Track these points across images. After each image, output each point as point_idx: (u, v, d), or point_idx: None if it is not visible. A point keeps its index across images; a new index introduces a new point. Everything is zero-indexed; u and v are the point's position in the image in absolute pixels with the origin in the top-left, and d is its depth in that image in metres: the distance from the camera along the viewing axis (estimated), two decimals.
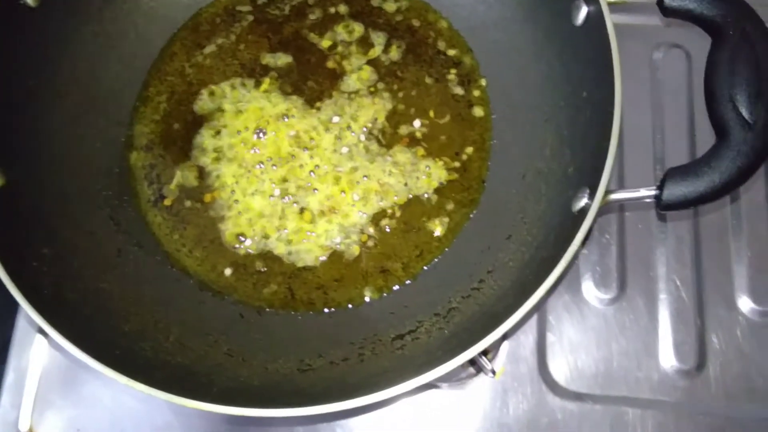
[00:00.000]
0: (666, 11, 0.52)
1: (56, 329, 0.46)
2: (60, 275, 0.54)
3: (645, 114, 0.70)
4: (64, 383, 0.65)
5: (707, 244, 0.68)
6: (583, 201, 0.51)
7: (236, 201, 0.64)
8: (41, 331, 0.63)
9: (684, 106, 0.71)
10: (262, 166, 0.64)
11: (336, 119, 0.66)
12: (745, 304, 0.67)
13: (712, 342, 0.65)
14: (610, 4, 0.53)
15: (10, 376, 0.66)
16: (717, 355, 0.65)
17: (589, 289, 0.67)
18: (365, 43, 0.68)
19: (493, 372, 0.61)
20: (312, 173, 0.64)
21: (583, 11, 0.56)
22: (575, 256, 0.48)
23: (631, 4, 0.65)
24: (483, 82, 0.66)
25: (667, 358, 0.65)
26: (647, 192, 0.49)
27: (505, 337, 0.64)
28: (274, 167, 0.64)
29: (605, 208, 0.50)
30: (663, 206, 0.48)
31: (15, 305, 0.67)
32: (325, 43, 0.67)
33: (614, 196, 0.50)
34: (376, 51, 0.67)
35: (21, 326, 0.67)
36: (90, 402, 0.64)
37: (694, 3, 0.50)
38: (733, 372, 0.65)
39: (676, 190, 0.48)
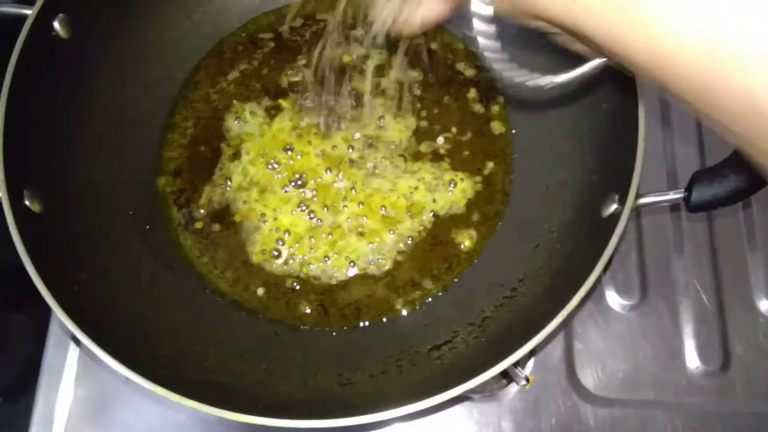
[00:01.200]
0: None
1: (107, 352, 0.47)
2: (98, 300, 0.55)
3: (655, 120, 0.73)
4: (94, 413, 0.65)
5: (723, 248, 0.70)
6: (613, 206, 0.53)
7: (265, 222, 0.65)
8: (75, 340, 0.63)
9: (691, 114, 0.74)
10: (288, 188, 0.65)
11: (358, 136, 0.67)
12: (764, 305, 0.68)
13: (734, 343, 0.67)
14: None
15: (39, 405, 0.65)
16: (740, 355, 0.67)
17: (612, 296, 0.69)
18: (386, 65, 0.70)
19: (527, 380, 0.62)
20: (339, 192, 0.65)
21: None
22: (608, 263, 0.49)
23: None
24: (501, 99, 0.68)
25: (692, 360, 0.66)
26: (676, 195, 0.51)
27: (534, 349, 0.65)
28: (301, 187, 0.65)
29: (633, 212, 0.52)
30: (692, 207, 0.50)
31: (42, 337, 0.68)
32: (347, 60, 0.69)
33: (644, 200, 0.52)
34: (396, 72, 0.69)
35: (49, 356, 0.67)
36: (120, 430, 0.64)
37: None
38: (757, 371, 0.66)
39: (704, 192, 0.50)
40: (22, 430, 0.65)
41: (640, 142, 0.52)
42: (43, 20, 0.57)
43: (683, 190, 0.51)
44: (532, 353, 0.65)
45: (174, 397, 0.46)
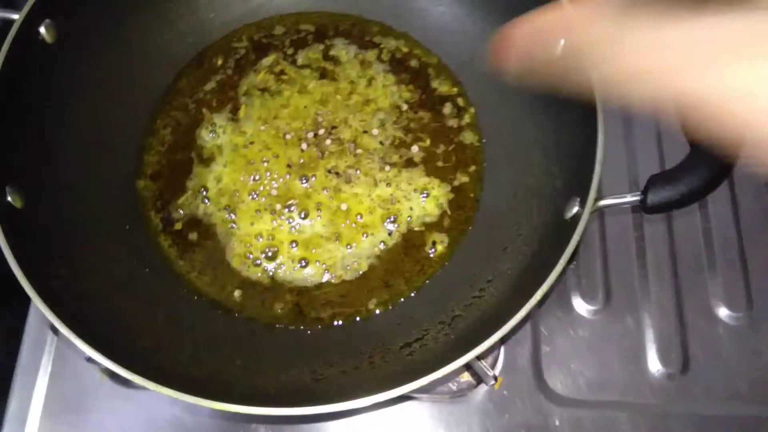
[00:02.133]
0: None
1: (86, 342, 0.48)
2: (76, 294, 0.56)
3: (616, 126, 0.76)
4: (69, 413, 0.65)
5: (682, 255, 0.73)
6: (575, 209, 0.56)
7: (240, 226, 0.66)
8: (54, 329, 0.64)
9: (651, 118, 0.78)
10: (260, 190, 0.67)
11: (331, 144, 0.70)
12: (721, 311, 0.72)
13: (694, 347, 0.70)
14: None
15: (12, 405, 0.66)
16: (699, 359, 0.69)
17: (578, 301, 0.71)
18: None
19: (495, 379, 0.64)
20: (314, 198, 0.68)
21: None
22: (567, 264, 0.52)
23: None
24: (472, 110, 0.71)
25: (654, 364, 0.69)
26: (633, 198, 0.54)
27: (503, 342, 0.67)
28: (276, 191, 0.67)
29: (592, 215, 0.55)
30: (648, 209, 0.53)
31: (18, 337, 0.68)
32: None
33: (603, 202, 0.55)
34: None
35: (24, 358, 0.68)
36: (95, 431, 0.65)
37: None
38: (715, 374, 0.69)
39: (659, 195, 0.53)
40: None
41: (599, 150, 0.55)
42: (29, 25, 0.59)
43: (640, 192, 0.54)
44: (502, 343, 0.67)
45: (151, 386, 0.47)
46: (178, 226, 0.66)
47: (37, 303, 0.49)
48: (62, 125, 0.63)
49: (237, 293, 0.64)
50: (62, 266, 0.56)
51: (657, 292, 0.72)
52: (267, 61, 0.74)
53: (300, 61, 0.74)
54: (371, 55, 0.74)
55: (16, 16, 0.59)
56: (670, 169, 0.54)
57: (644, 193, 0.54)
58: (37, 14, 0.60)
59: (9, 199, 0.55)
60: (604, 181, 0.73)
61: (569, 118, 0.62)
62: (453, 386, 0.67)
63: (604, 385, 0.68)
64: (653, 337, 0.70)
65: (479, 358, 0.54)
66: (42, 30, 0.61)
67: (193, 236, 0.66)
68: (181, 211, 0.67)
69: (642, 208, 0.53)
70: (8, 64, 0.57)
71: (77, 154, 0.64)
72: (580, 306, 0.71)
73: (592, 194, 0.54)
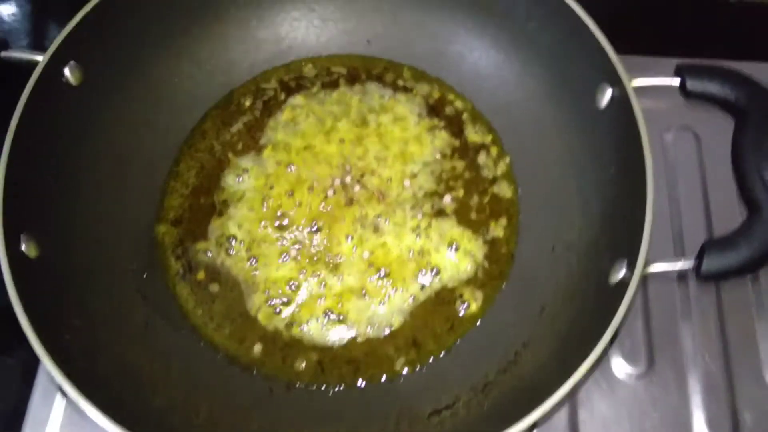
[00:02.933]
0: (688, 95, 0.55)
1: (93, 404, 0.45)
2: (90, 347, 0.53)
3: (660, 189, 0.72)
4: None
5: (731, 317, 0.69)
6: (621, 273, 0.52)
7: (262, 276, 0.63)
8: (62, 392, 0.61)
9: (697, 182, 0.74)
10: (285, 239, 0.65)
11: (359, 191, 0.67)
12: None
13: (743, 415, 0.65)
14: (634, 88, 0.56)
15: None
16: (750, 428, 0.64)
17: (618, 363, 0.67)
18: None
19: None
20: (342, 250, 0.65)
21: (608, 94, 0.58)
22: (614, 336, 0.48)
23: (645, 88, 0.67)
24: (507, 159, 0.68)
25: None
26: (687, 263, 0.50)
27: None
28: (300, 240, 0.65)
29: (642, 280, 0.51)
30: (703, 276, 0.49)
31: (30, 382, 0.66)
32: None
33: (654, 268, 0.51)
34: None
35: (35, 404, 0.65)
36: None
37: (715, 88, 0.53)
38: None
39: (715, 262, 0.49)
40: None
41: (648, 209, 0.51)
42: (54, 66, 0.58)
43: (694, 258, 0.50)
44: (535, 423, 0.63)
45: None
46: (200, 275, 0.63)
47: (47, 363, 0.46)
48: (82, 168, 0.61)
49: (257, 348, 0.61)
50: (75, 317, 0.54)
51: (704, 356, 0.67)
52: (295, 100, 0.72)
53: (330, 103, 0.71)
54: (403, 99, 0.71)
55: (40, 58, 0.58)
56: (726, 235, 0.50)
57: (699, 258, 0.50)
58: (62, 55, 0.58)
59: (23, 248, 0.53)
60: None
61: (615, 172, 0.58)
62: None
63: None
64: (700, 404, 0.65)
65: None
66: (66, 71, 0.59)
67: (213, 286, 0.63)
68: (201, 259, 0.64)
69: (696, 275, 0.50)
70: (30, 105, 0.56)
71: (96, 199, 0.62)
72: (621, 368, 0.67)
73: (642, 258, 0.50)
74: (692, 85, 0.55)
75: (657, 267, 0.51)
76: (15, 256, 0.51)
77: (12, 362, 0.72)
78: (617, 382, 0.66)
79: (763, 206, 0.49)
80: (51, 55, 0.58)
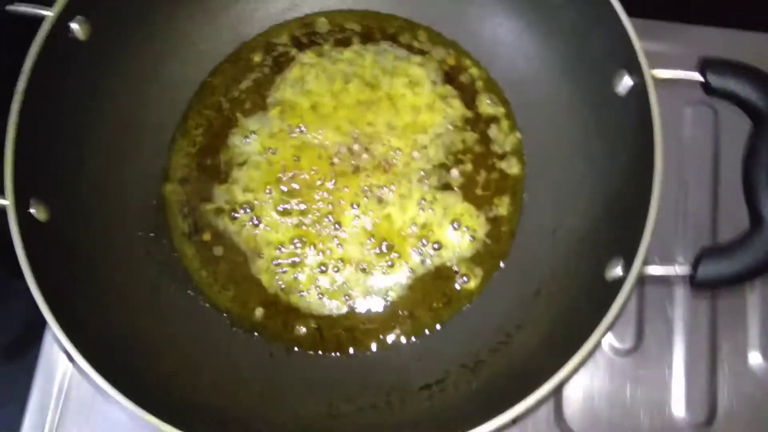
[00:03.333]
0: (709, 91, 0.54)
1: (103, 376, 0.47)
2: (98, 312, 0.55)
3: (670, 174, 0.71)
4: (91, 399, 0.65)
5: (723, 299, 0.70)
6: (618, 271, 0.53)
7: (266, 240, 0.64)
8: (70, 357, 0.64)
9: (709, 168, 0.73)
10: (289, 204, 0.65)
11: (366, 159, 0.67)
12: (755, 359, 0.69)
13: (722, 398, 0.68)
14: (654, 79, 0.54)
15: (35, 391, 0.66)
16: (726, 411, 0.67)
17: (606, 338, 0.69)
18: None
19: (513, 420, 0.62)
20: (345, 218, 0.65)
21: (627, 82, 0.57)
22: (609, 326, 0.50)
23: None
24: (518, 135, 0.67)
25: (679, 411, 0.67)
26: (681, 269, 0.51)
27: None
28: (305, 206, 0.65)
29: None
30: (696, 284, 0.50)
31: (41, 327, 0.68)
32: None
33: (649, 271, 0.51)
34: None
35: (48, 337, 0.67)
36: (115, 419, 0.65)
37: (738, 87, 0.52)
38: (741, 428, 0.67)
39: (709, 271, 0.50)
40: (24, 389, 0.65)
41: (652, 209, 0.51)
42: (61, 22, 0.56)
43: (690, 265, 0.51)
44: None
45: (165, 427, 0.47)
46: (206, 236, 0.64)
47: (56, 332, 0.48)
48: (91, 126, 0.61)
49: (259, 311, 0.63)
50: (84, 281, 0.56)
51: (691, 336, 0.69)
52: (306, 58, 0.70)
53: (341, 62, 0.70)
54: (418, 62, 0.69)
55: (47, 13, 0.56)
56: (725, 244, 0.50)
57: (695, 267, 0.50)
58: (69, 10, 0.56)
59: (33, 211, 0.53)
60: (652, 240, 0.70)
61: (624, 163, 0.58)
62: None
63: (626, 428, 0.67)
64: (682, 384, 0.68)
65: None
66: (74, 26, 0.58)
67: (218, 248, 0.64)
68: (207, 220, 0.65)
69: (690, 282, 0.50)
70: (38, 64, 0.55)
71: (104, 157, 0.62)
72: (609, 342, 0.69)
73: (639, 260, 0.50)
74: (714, 81, 0.53)
75: (652, 270, 0.51)
76: (25, 220, 0.52)
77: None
78: (604, 357, 0.69)
79: (767, 219, 0.49)
80: (58, 10, 0.56)
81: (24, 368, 0.67)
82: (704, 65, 0.53)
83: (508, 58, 0.68)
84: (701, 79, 0.53)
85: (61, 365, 0.65)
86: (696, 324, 0.70)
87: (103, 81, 0.62)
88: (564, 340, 0.53)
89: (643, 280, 0.69)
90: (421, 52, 0.70)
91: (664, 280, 0.71)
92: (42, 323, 0.66)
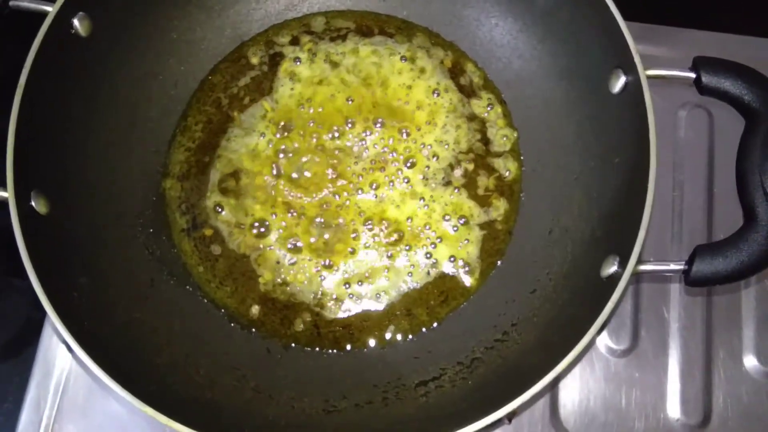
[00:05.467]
0: (702, 90, 0.54)
1: (101, 367, 0.48)
2: (97, 305, 0.55)
3: (666, 174, 0.72)
4: (87, 396, 0.66)
5: (718, 305, 0.71)
6: (613, 269, 0.53)
7: (265, 237, 0.65)
8: (69, 348, 0.64)
9: (704, 169, 0.74)
10: (289, 200, 0.66)
11: (365, 155, 0.67)
12: (750, 362, 0.69)
13: (717, 400, 0.68)
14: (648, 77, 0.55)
15: (32, 387, 0.66)
16: (721, 413, 0.67)
17: (602, 339, 0.69)
18: None
19: (509, 419, 0.63)
20: (345, 215, 0.66)
21: (621, 80, 0.57)
22: (604, 324, 0.50)
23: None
24: (515, 134, 0.68)
25: (674, 413, 0.67)
26: (676, 266, 0.51)
27: None
28: (305, 202, 0.66)
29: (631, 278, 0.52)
30: (690, 282, 0.50)
31: (41, 314, 0.69)
32: None
33: (643, 268, 0.52)
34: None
35: (46, 335, 0.67)
36: (112, 416, 0.65)
37: (731, 86, 0.52)
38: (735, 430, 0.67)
39: (703, 268, 0.50)
40: (21, 386, 0.66)
41: (647, 209, 0.52)
42: (63, 18, 0.57)
43: (684, 262, 0.51)
44: None
45: (162, 419, 0.47)
46: (205, 232, 0.65)
47: (56, 323, 0.48)
48: (91, 122, 0.62)
49: (256, 308, 0.63)
50: (83, 274, 0.56)
51: (686, 338, 0.70)
52: (304, 56, 0.70)
53: (340, 60, 0.70)
54: (417, 63, 0.70)
55: (49, 8, 0.56)
56: (719, 242, 0.51)
57: (689, 264, 0.51)
58: (71, 6, 0.57)
59: (33, 203, 0.54)
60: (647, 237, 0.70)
61: (619, 163, 0.58)
62: None
63: (621, 430, 0.67)
64: (678, 385, 0.68)
65: None
66: (76, 22, 0.58)
67: (216, 244, 0.65)
68: (206, 217, 0.65)
69: (685, 279, 0.51)
70: (39, 59, 0.55)
71: (105, 153, 0.62)
72: (605, 343, 0.69)
73: (634, 258, 0.51)
74: (708, 80, 0.54)
75: (646, 267, 0.52)
76: (26, 213, 0.52)
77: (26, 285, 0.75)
78: (600, 358, 0.69)
79: (760, 216, 0.49)
80: (60, 6, 0.56)
81: (21, 366, 0.68)
82: (698, 64, 0.54)
83: (505, 59, 0.69)
84: (694, 76, 0.54)
85: (58, 362, 0.66)
86: (691, 326, 0.70)
87: (104, 77, 0.62)
88: (559, 337, 0.53)
89: (639, 278, 0.71)
90: (421, 50, 0.70)
91: (660, 282, 0.71)
92: (39, 321, 0.67)
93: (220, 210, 0.66)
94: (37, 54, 0.55)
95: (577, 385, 0.68)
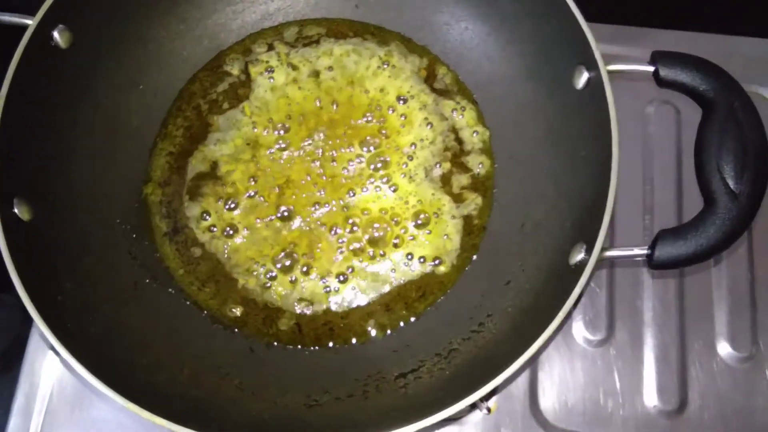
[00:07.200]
0: (661, 82, 0.56)
1: (85, 367, 0.49)
2: (81, 308, 0.57)
3: (636, 168, 0.75)
4: (73, 407, 0.67)
5: (690, 293, 0.73)
6: (580, 256, 0.55)
7: (245, 240, 0.66)
8: (54, 351, 0.65)
9: (672, 162, 0.76)
10: (269, 203, 0.67)
11: (342, 156, 0.69)
12: (724, 350, 0.71)
13: (693, 387, 0.70)
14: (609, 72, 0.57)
15: (19, 399, 0.68)
16: (697, 399, 0.69)
17: (579, 330, 0.71)
18: None
19: (488, 409, 0.64)
20: (324, 217, 0.67)
21: (584, 77, 0.60)
22: (572, 308, 0.52)
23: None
24: (487, 133, 0.70)
25: (651, 400, 0.69)
26: (640, 251, 0.53)
27: None
28: (285, 205, 0.67)
29: (599, 264, 0.54)
30: (654, 265, 0.52)
31: (26, 330, 0.70)
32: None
33: (609, 253, 0.54)
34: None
35: (31, 350, 0.69)
36: (98, 426, 0.66)
37: (687, 77, 0.55)
38: (711, 415, 0.69)
39: (666, 252, 0.52)
40: (6, 401, 0.67)
41: (610, 197, 0.54)
42: (43, 30, 0.58)
43: (648, 246, 0.53)
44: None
45: (145, 414, 0.48)
46: (186, 236, 0.66)
47: (40, 326, 0.50)
48: (73, 130, 0.63)
49: (238, 309, 0.64)
50: (67, 279, 0.57)
51: (661, 327, 0.72)
52: (281, 63, 0.72)
53: (317, 64, 0.72)
54: (392, 66, 0.72)
55: (29, 21, 0.58)
56: (680, 226, 0.53)
57: (651, 248, 0.53)
58: (51, 19, 0.59)
59: (16, 211, 0.55)
60: (617, 229, 0.73)
61: (585, 156, 0.60)
62: None
63: (599, 418, 0.68)
64: (654, 373, 0.70)
65: None
66: (56, 35, 0.60)
67: (197, 247, 0.66)
68: (186, 222, 0.67)
69: (648, 263, 0.53)
70: (20, 71, 0.57)
71: (87, 161, 0.64)
72: (582, 334, 0.71)
73: (599, 245, 0.53)
74: (665, 73, 0.56)
75: (612, 252, 0.54)
76: (9, 219, 0.54)
77: (11, 300, 0.76)
78: (577, 348, 0.71)
79: (718, 200, 0.52)
80: (40, 19, 0.58)
81: (8, 377, 0.68)
82: (656, 58, 0.56)
83: (475, 61, 0.71)
84: (653, 69, 0.56)
85: (45, 372, 0.67)
86: (665, 315, 0.72)
87: (85, 87, 0.64)
88: (532, 324, 0.55)
89: (612, 270, 0.72)
90: (395, 55, 0.73)
91: (634, 274, 0.73)
92: (26, 333, 0.68)
93: (202, 215, 0.67)
94: (18, 66, 0.57)
95: (556, 376, 0.70)
